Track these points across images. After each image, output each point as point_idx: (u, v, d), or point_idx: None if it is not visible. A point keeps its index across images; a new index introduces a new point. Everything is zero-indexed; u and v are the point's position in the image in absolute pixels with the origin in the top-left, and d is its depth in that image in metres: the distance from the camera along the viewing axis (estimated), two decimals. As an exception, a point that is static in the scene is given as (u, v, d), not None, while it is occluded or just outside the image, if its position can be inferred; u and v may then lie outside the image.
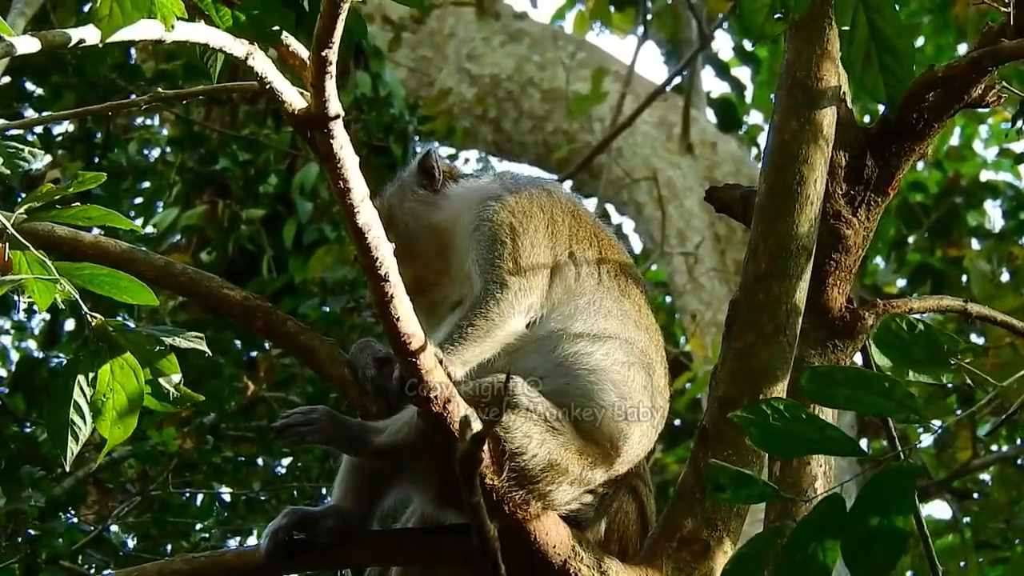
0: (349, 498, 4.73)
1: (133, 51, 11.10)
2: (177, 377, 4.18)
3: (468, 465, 4.00)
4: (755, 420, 3.88)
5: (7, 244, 3.97)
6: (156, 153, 11.78)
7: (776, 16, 4.32)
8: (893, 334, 3.99)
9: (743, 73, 20.05)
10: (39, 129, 10.16)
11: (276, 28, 3.81)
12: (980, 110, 5.01)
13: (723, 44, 31.16)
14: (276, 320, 4.82)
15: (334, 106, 3.72)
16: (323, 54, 3.63)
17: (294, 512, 4.66)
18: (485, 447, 4.12)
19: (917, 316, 4.20)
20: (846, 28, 4.26)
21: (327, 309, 10.49)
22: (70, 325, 11.59)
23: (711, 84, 21.94)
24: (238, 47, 3.65)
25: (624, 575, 4.69)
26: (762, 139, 15.69)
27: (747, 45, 15.55)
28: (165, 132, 12.10)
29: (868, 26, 4.17)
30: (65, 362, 4.19)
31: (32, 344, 11.94)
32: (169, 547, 8.52)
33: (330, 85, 3.69)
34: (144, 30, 3.49)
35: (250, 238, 11.71)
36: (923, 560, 10.74)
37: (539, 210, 4.91)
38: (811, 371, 3.92)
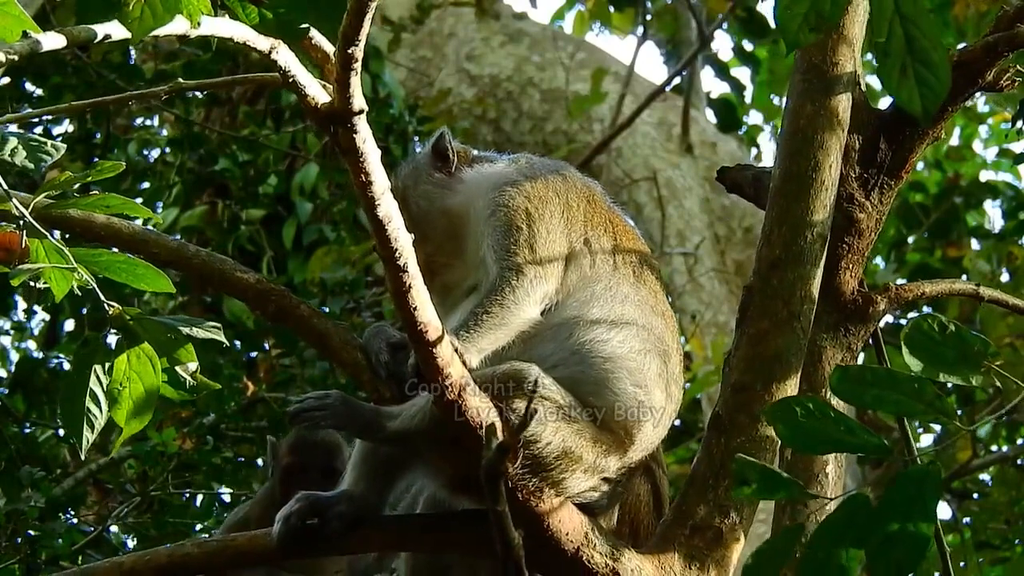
0: (362, 483, 4.71)
1: (132, 52, 11.08)
2: (194, 365, 4.16)
3: (493, 475, 3.96)
4: (783, 417, 3.87)
5: (24, 231, 3.93)
6: (156, 153, 11.77)
7: (811, 29, 4.29)
8: (924, 335, 3.96)
9: (743, 73, 20.12)
10: (38, 128, 10.13)
11: (304, 26, 3.81)
12: (992, 93, 4.99)
13: (723, 44, 31.27)
14: (289, 304, 4.81)
15: (358, 101, 3.76)
16: (349, 51, 3.66)
17: (306, 497, 4.65)
18: (500, 436, 4.08)
19: (938, 315, 4.13)
20: (881, 40, 4.23)
21: (327, 309, 10.45)
22: (70, 326, 11.57)
23: (711, 84, 21.99)
24: (262, 41, 3.66)
25: (637, 562, 4.66)
26: (762, 139, 15.67)
27: (747, 45, 15.54)
28: (165, 132, 12.08)
29: (904, 38, 4.14)
30: (80, 351, 4.15)
31: (32, 344, 11.93)
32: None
33: (355, 81, 3.72)
34: (170, 26, 3.53)
35: (250, 238, 11.69)
36: (924, 561, 10.72)
37: (555, 195, 4.89)
38: (840, 370, 3.90)
